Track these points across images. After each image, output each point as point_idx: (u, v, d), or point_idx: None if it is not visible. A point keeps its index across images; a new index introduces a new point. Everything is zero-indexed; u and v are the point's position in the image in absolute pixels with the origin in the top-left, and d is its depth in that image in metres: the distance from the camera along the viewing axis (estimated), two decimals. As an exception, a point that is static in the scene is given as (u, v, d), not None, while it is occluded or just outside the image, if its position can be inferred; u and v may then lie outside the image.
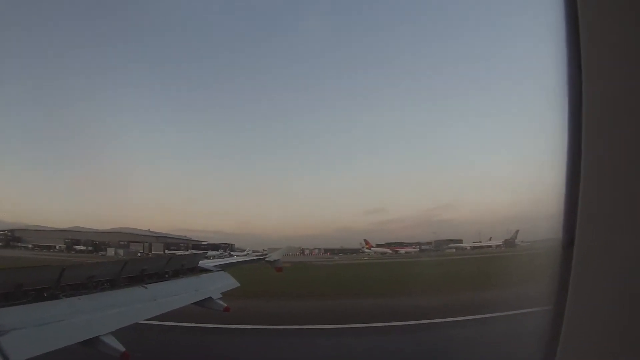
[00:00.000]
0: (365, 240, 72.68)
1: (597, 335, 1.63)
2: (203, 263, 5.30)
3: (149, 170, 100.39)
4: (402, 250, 72.03)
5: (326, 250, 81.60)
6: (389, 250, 71.95)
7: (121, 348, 2.73)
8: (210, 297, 4.35)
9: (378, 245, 73.15)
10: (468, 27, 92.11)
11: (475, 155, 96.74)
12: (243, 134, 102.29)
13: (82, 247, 69.47)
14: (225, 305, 4.36)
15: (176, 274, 4.38)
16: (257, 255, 10.14)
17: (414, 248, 75.14)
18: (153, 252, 65.80)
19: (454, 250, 71.73)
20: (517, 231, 69.75)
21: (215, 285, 4.70)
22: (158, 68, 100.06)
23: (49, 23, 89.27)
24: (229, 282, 5.05)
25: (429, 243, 75.97)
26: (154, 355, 7.20)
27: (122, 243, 69.46)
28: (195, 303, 4.16)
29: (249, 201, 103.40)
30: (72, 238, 74.11)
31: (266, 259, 7.97)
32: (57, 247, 70.47)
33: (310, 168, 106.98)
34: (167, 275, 4.25)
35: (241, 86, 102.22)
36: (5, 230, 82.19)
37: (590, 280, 1.63)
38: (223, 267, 5.45)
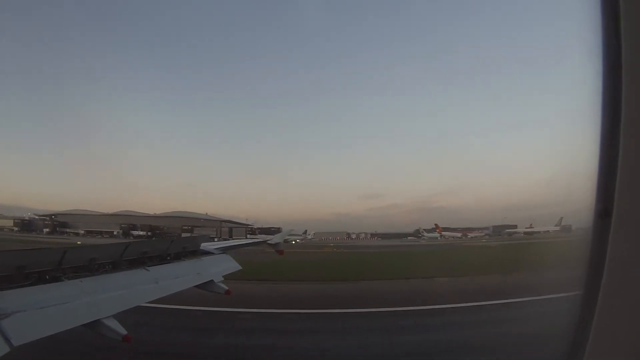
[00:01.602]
0: (435, 225, 71.86)
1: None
2: (205, 246, 5.15)
3: (169, 156, 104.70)
4: (470, 235, 71.69)
5: (372, 235, 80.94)
6: (459, 235, 71.42)
7: (123, 331, 2.70)
8: (212, 280, 4.24)
9: (446, 229, 72.48)
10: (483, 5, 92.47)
11: (476, 143, 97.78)
12: (246, 123, 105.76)
13: (141, 232, 65.87)
14: (227, 288, 4.26)
15: (178, 256, 4.32)
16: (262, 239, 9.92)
17: (480, 232, 74.81)
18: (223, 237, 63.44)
19: (522, 234, 71.29)
20: (562, 218, 70.14)
21: (217, 268, 4.61)
22: (175, 57, 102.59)
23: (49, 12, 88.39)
24: (231, 265, 4.94)
25: (485, 228, 75.66)
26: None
27: (186, 227, 66.20)
28: (197, 286, 4.07)
29: (253, 187, 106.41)
30: (129, 223, 70.55)
31: (268, 242, 7.80)
32: (115, 233, 66.62)
33: (309, 154, 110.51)
34: (169, 258, 4.18)
35: (243, 76, 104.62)
36: (51, 215, 77.81)
37: (629, 253, 1.54)
38: (225, 250, 5.36)
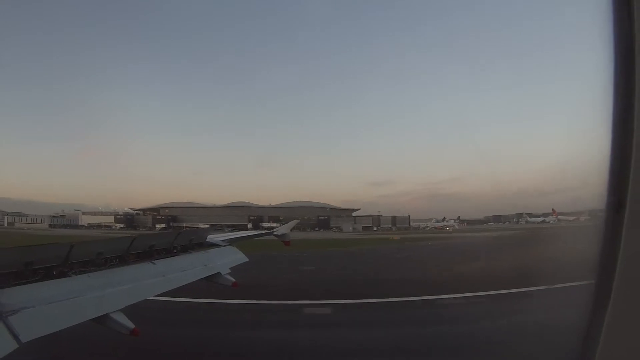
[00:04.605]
0: (552, 210, 74.56)
1: None
2: (211, 238, 5.19)
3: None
4: (582, 218, 75.10)
5: (462, 221, 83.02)
6: (571, 218, 74.64)
7: (131, 325, 2.76)
8: (219, 273, 4.30)
9: (561, 214, 75.57)
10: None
11: (486, 131, 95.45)
12: (258, 112, 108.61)
13: (274, 224, 64.42)
14: (234, 280, 4.31)
15: (185, 249, 4.34)
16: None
17: (588, 216, 78.75)
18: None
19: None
20: None
21: (224, 260, 4.63)
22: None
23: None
24: (238, 256, 4.97)
25: (581, 212, 79.37)
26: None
27: (322, 217, 65.19)
28: (203, 278, 4.12)
29: (261, 175, 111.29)
30: (255, 215, 68.81)
31: (274, 233, 7.86)
32: (249, 226, 64.86)
33: (317, 141, 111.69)
34: (175, 251, 4.21)
35: (256, 67, 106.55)
36: (165, 209, 74.41)
37: None
38: (231, 242, 5.39)
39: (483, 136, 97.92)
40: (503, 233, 47.67)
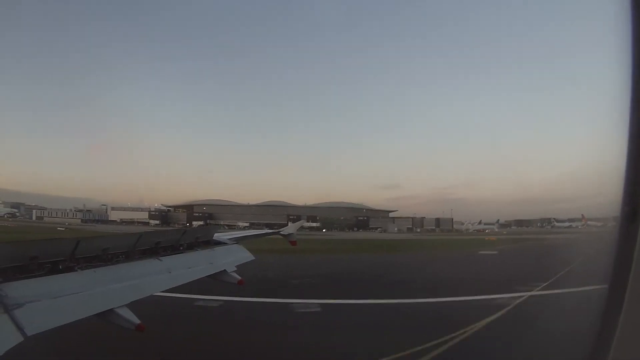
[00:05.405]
0: (582, 215, 76.02)
1: None
2: (218, 236, 5.25)
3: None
4: (608, 224, 76.69)
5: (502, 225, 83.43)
6: (599, 224, 76.06)
7: (136, 320, 2.78)
8: (225, 270, 4.36)
9: (590, 219, 77.04)
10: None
11: (495, 137, 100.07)
12: (265, 113, 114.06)
13: (313, 224, 65.03)
14: (240, 278, 4.38)
15: (191, 246, 4.42)
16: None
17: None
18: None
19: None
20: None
21: (230, 258, 4.70)
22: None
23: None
24: (244, 255, 5.02)
25: (608, 218, 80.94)
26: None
27: (361, 218, 65.63)
28: (209, 276, 4.18)
29: (271, 175, 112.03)
30: (294, 215, 69.19)
31: (281, 232, 7.82)
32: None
33: (326, 144, 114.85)
34: (182, 248, 4.27)
35: (267, 70, 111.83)
36: (202, 206, 74.08)
37: None
38: (238, 240, 5.48)
39: (495, 142, 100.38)
40: (570, 236, 48.25)
